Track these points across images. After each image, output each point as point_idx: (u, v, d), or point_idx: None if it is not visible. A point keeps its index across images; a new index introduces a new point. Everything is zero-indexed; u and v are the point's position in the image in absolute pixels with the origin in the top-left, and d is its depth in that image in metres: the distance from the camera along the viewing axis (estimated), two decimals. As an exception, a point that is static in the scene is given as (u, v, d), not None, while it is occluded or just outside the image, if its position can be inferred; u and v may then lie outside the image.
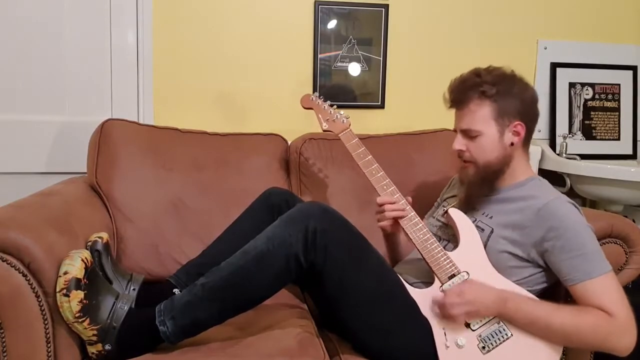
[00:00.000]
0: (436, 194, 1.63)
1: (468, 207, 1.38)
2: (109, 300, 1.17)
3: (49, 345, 1.13)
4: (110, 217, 1.58)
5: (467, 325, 1.23)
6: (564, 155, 2.18)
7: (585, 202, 2.30)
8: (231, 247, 1.27)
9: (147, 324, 1.17)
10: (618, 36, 2.30)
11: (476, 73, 1.33)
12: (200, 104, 1.99)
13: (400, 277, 1.31)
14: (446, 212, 1.40)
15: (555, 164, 2.13)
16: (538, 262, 1.27)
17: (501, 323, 1.22)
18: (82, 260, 1.14)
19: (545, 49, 2.24)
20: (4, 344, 1.10)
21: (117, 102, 1.91)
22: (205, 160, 1.71)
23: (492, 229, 1.31)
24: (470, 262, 1.28)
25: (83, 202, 1.50)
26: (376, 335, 1.24)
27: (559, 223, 1.23)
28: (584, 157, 2.19)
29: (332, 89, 2.07)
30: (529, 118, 1.33)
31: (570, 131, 2.27)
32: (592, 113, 2.30)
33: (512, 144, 1.32)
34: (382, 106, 2.12)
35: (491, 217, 1.33)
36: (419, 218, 1.34)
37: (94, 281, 1.17)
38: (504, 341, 1.21)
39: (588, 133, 2.30)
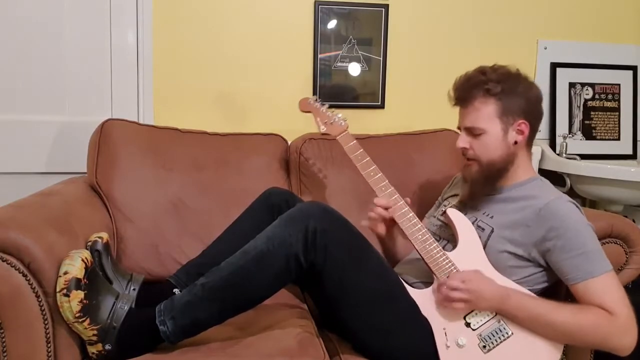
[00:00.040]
0: (436, 194, 1.63)
1: (470, 205, 1.39)
2: (109, 300, 1.17)
3: (49, 345, 1.13)
4: (110, 217, 1.58)
5: (468, 324, 1.23)
6: (564, 155, 2.18)
7: (585, 202, 2.30)
8: (231, 247, 1.27)
9: (147, 324, 1.17)
10: (618, 36, 2.30)
11: (481, 71, 1.34)
12: (200, 104, 1.99)
13: (400, 278, 1.31)
14: (444, 212, 1.40)
15: (555, 164, 2.13)
16: (539, 261, 1.27)
17: (501, 322, 1.23)
18: (82, 260, 1.14)
19: (545, 49, 2.24)
20: (4, 344, 1.10)
21: (117, 102, 1.91)
22: (205, 160, 1.71)
23: (493, 228, 1.31)
24: (470, 262, 1.28)
25: (83, 202, 1.50)
26: (376, 335, 1.24)
27: (560, 222, 1.23)
28: (584, 157, 2.19)
29: (332, 89, 2.07)
30: (533, 117, 1.33)
31: (570, 131, 2.27)
32: (592, 113, 2.30)
33: (515, 142, 1.32)
34: (382, 106, 2.12)
35: (492, 217, 1.33)
36: (417, 219, 1.34)
37: (94, 281, 1.17)
38: (504, 340, 1.22)
39: (588, 133, 2.30)
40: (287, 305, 1.49)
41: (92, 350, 1.16)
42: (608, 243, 1.36)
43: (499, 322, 1.23)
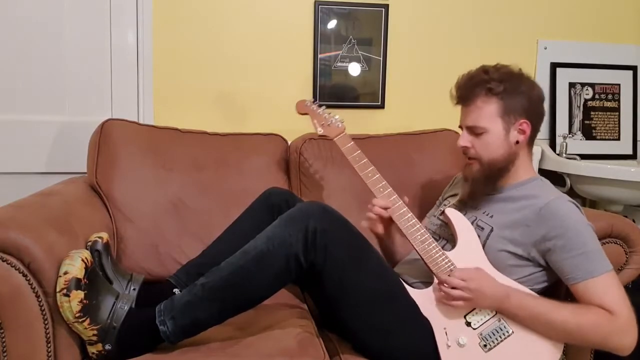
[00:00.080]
0: (436, 194, 1.63)
1: (470, 205, 1.39)
2: (109, 300, 1.17)
3: (49, 345, 1.13)
4: (110, 217, 1.58)
5: (468, 324, 1.23)
6: (564, 155, 2.18)
7: (585, 202, 2.30)
8: (231, 247, 1.27)
9: (147, 324, 1.17)
10: (618, 36, 2.30)
11: (484, 70, 1.34)
12: (200, 104, 1.99)
13: (400, 278, 1.31)
14: (443, 211, 1.40)
15: (555, 164, 2.13)
16: (539, 261, 1.27)
17: (502, 321, 1.23)
18: (82, 260, 1.14)
19: (545, 49, 2.24)
20: (4, 344, 1.10)
21: (117, 102, 1.91)
22: (205, 160, 1.71)
23: (492, 227, 1.31)
24: (469, 261, 1.28)
25: (83, 202, 1.50)
26: (376, 335, 1.24)
27: (560, 222, 1.23)
28: (584, 157, 2.19)
29: (332, 89, 2.07)
30: (535, 117, 1.34)
31: (570, 131, 2.28)
32: (592, 113, 2.30)
33: (517, 142, 1.32)
34: (382, 106, 2.12)
35: (491, 216, 1.34)
36: (416, 219, 1.34)
37: (94, 281, 1.17)
38: (505, 339, 1.22)
39: (588, 133, 2.30)
40: (287, 305, 1.49)
41: (92, 350, 1.16)
42: (608, 243, 1.36)
43: (499, 321, 1.23)
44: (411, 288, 1.28)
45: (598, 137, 2.31)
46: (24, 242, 1.09)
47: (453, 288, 1.21)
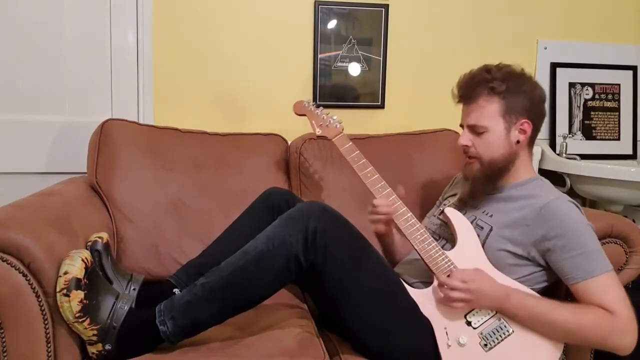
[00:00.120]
0: (436, 194, 1.63)
1: (470, 204, 1.39)
2: (109, 300, 1.17)
3: (49, 345, 1.13)
4: (110, 217, 1.58)
5: (469, 323, 1.23)
6: (564, 155, 2.18)
7: (585, 202, 2.30)
8: (231, 247, 1.27)
9: (147, 324, 1.17)
10: (618, 36, 2.30)
11: (486, 69, 1.34)
12: (200, 104, 1.99)
13: (400, 278, 1.31)
14: (442, 211, 1.40)
15: (555, 164, 2.13)
16: (538, 261, 1.27)
17: (502, 320, 1.23)
18: (82, 260, 1.14)
19: (545, 49, 2.24)
20: (4, 344, 1.10)
21: (117, 102, 1.91)
22: (205, 160, 1.71)
23: (492, 227, 1.31)
24: (469, 261, 1.28)
25: (83, 202, 1.50)
26: (376, 335, 1.24)
27: (560, 222, 1.23)
28: (584, 157, 2.19)
29: (332, 89, 2.07)
30: (536, 117, 1.34)
31: (570, 131, 2.28)
32: (592, 113, 2.31)
33: (518, 141, 1.32)
34: (382, 106, 2.12)
35: (491, 216, 1.34)
36: (415, 219, 1.34)
37: (94, 281, 1.17)
38: (505, 338, 1.22)
39: (588, 133, 2.30)
40: (287, 305, 1.49)
41: (92, 350, 1.16)
42: (608, 243, 1.36)
43: (499, 320, 1.23)
44: (411, 288, 1.28)
45: (598, 137, 2.31)
46: (24, 242, 1.09)
47: (453, 289, 1.20)
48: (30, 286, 1.10)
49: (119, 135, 1.66)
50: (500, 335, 1.22)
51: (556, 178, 2.09)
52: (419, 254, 1.30)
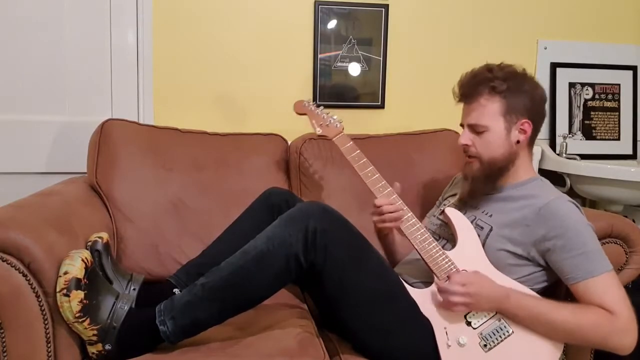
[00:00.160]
0: (436, 194, 1.63)
1: (469, 204, 1.39)
2: (109, 300, 1.17)
3: (49, 345, 1.13)
4: (110, 217, 1.58)
5: (468, 323, 1.23)
6: (564, 155, 2.18)
7: (585, 202, 2.30)
8: (231, 247, 1.27)
9: (147, 324, 1.17)
10: (618, 36, 2.30)
11: (488, 68, 1.34)
12: (200, 104, 1.99)
13: (400, 277, 1.31)
14: (443, 211, 1.40)
15: (555, 164, 2.13)
16: (538, 261, 1.27)
17: (502, 320, 1.23)
18: (82, 260, 1.14)
19: (545, 49, 2.24)
20: (4, 344, 1.10)
21: (117, 102, 1.91)
22: (205, 160, 1.71)
23: (492, 227, 1.31)
24: (469, 261, 1.28)
25: (83, 202, 1.50)
26: (376, 335, 1.24)
27: (560, 222, 1.23)
28: (584, 157, 2.19)
29: (332, 89, 2.07)
30: (537, 117, 1.34)
31: (570, 131, 2.28)
32: (592, 113, 2.31)
33: (518, 141, 1.32)
34: (382, 106, 2.12)
35: (491, 216, 1.34)
36: (416, 218, 1.34)
37: (94, 281, 1.17)
38: (505, 338, 1.22)
39: (588, 133, 2.30)
40: (287, 305, 1.49)
41: (92, 350, 1.16)
42: (608, 243, 1.36)
43: (499, 321, 1.23)
44: (411, 288, 1.28)
45: (598, 137, 2.31)
46: (24, 242, 1.09)
47: (453, 294, 1.20)
48: (30, 286, 1.10)
49: (119, 135, 1.66)
50: (500, 336, 1.22)
51: (556, 178, 2.09)
52: (420, 254, 1.30)
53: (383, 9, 2.06)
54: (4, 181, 1.84)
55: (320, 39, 2.03)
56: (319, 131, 1.54)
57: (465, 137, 1.35)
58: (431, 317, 1.24)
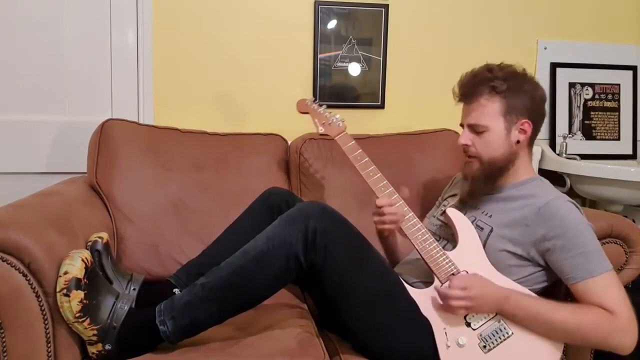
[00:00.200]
0: (436, 194, 1.63)
1: (469, 204, 1.39)
2: (109, 300, 1.17)
3: (49, 345, 1.13)
4: (110, 217, 1.58)
5: (468, 324, 1.23)
6: (564, 155, 2.18)
7: (585, 202, 2.30)
8: (231, 247, 1.27)
9: (147, 324, 1.17)
10: (618, 36, 2.30)
11: (488, 68, 1.34)
12: (200, 104, 1.99)
13: (400, 277, 1.31)
14: (444, 212, 1.40)
15: (555, 164, 2.13)
16: (538, 261, 1.27)
17: (502, 321, 1.23)
18: (82, 260, 1.14)
19: (545, 49, 2.24)
20: (4, 344, 1.10)
21: (117, 102, 1.91)
22: (205, 160, 1.71)
23: (492, 227, 1.31)
24: (469, 261, 1.28)
25: (83, 202, 1.50)
26: (376, 335, 1.24)
27: (560, 222, 1.23)
28: (584, 157, 2.19)
29: (332, 89, 2.07)
30: (537, 117, 1.34)
31: (570, 131, 2.28)
32: (592, 113, 2.31)
33: (518, 141, 1.32)
34: (382, 106, 2.12)
35: (491, 216, 1.34)
36: (417, 219, 1.34)
37: (94, 281, 1.17)
38: (504, 340, 1.22)
39: (588, 133, 2.30)
40: (287, 305, 1.49)
41: (92, 350, 1.16)
42: (608, 243, 1.36)
43: (499, 321, 1.23)
44: (411, 288, 1.28)
45: (598, 137, 2.31)
46: (24, 242, 1.09)
47: (454, 298, 1.20)
48: (30, 286, 1.10)
49: (119, 135, 1.66)
50: (499, 337, 1.22)
51: (556, 178, 2.10)
52: (420, 254, 1.30)
53: (383, 9, 2.06)
54: (4, 181, 1.84)
55: (320, 39, 2.03)
56: (321, 130, 1.54)
57: (465, 137, 1.35)
58: (431, 317, 1.24)
